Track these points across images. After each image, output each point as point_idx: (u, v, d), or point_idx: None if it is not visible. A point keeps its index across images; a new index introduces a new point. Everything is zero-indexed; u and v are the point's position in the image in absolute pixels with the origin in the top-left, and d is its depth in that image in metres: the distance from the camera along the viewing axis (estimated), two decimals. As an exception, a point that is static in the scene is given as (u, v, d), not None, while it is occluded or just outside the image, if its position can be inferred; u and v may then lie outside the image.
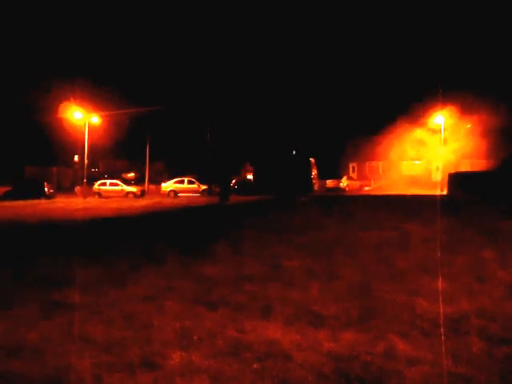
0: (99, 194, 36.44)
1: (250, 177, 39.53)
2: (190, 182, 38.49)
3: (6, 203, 26.53)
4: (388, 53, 61.16)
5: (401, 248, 7.44)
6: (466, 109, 41.55)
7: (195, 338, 3.74)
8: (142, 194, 37.50)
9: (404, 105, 43.56)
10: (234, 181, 39.49)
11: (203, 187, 38.03)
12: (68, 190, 44.94)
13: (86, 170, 38.72)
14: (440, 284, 5.07)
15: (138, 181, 46.99)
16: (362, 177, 51.37)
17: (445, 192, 27.51)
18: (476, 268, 5.91)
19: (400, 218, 10.99)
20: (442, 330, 3.79)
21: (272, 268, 6.13)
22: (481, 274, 5.55)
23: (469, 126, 44.40)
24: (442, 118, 41.37)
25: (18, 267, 6.59)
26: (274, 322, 4.07)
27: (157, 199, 29.40)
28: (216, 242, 8.29)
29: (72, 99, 38.17)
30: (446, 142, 42.10)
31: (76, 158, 51.85)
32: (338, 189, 41.86)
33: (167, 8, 61.43)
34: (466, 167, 41.35)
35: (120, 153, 54.97)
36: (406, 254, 6.91)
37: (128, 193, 36.36)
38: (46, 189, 35.12)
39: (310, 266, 6.16)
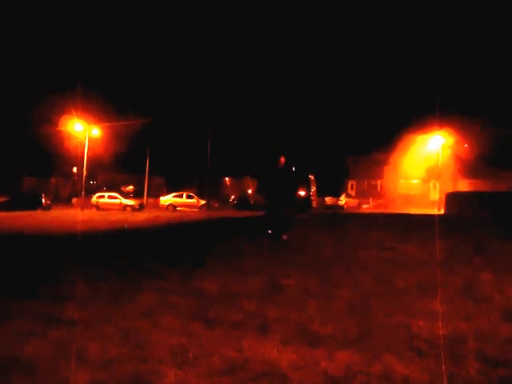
0: (97, 206, 36.44)
1: (249, 192, 39.58)
2: (188, 197, 38.57)
3: (3, 214, 26.46)
4: (388, 72, 61.74)
5: (398, 268, 7.43)
6: (463, 129, 41.81)
7: (191, 355, 3.72)
8: (141, 207, 37.49)
9: (403, 124, 43.84)
10: (232, 196, 39.53)
11: (202, 202, 38.07)
12: (66, 202, 44.90)
13: (84, 182, 38.76)
14: (437, 305, 5.06)
15: (137, 194, 47.01)
16: (360, 194, 51.48)
17: (442, 211, 27.56)
18: (473, 289, 5.90)
19: (398, 238, 10.99)
20: (438, 351, 3.78)
21: (270, 286, 6.12)
22: (478, 296, 5.54)
23: (466, 145, 44.66)
24: (440, 138, 41.63)
25: (11, 280, 6.56)
26: (271, 340, 4.05)
27: (155, 213, 29.39)
28: (214, 258, 8.28)
29: (72, 111, 38.38)
30: (443, 161, 42.28)
31: (75, 169, 51.89)
32: (336, 206, 41.93)
33: (167, 21, 62.18)
34: (463, 187, 41.49)
35: (119, 166, 55.10)
36: (403, 273, 6.90)
37: (126, 206, 36.36)
38: (43, 200, 35.13)
39: (308, 285, 6.15)
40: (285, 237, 10.58)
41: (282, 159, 10.97)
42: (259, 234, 11.17)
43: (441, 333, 4.18)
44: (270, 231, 10.79)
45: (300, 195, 33.17)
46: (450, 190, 33.01)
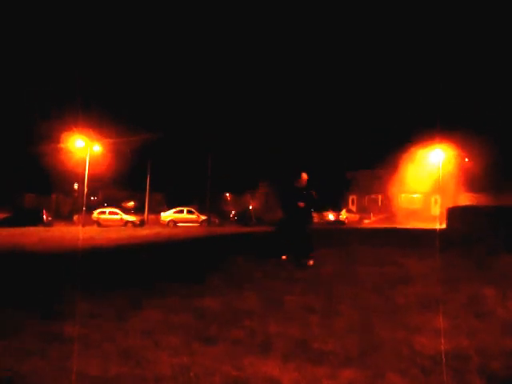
0: (98, 222, 36.39)
1: (250, 207, 39.57)
2: (189, 212, 38.51)
3: (4, 230, 26.45)
4: (390, 86, 62.10)
5: (400, 283, 7.39)
6: (464, 143, 41.93)
7: (192, 375, 3.68)
8: (142, 223, 37.44)
9: (404, 138, 43.97)
10: (233, 212, 39.52)
11: (202, 217, 38.02)
12: (67, 218, 44.85)
13: (85, 199, 38.77)
14: (440, 320, 5.03)
15: (138, 210, 46.98)
16: (361, 209, 51.39)
17: (444, 226, 27.48)
18: (476, 304, 5.87)
19: (399, 253, 10.95)
20: (441, 367, 3.75)
21: (271, 303, 6.08)
22: (481, 311, 5.51)
23: (467, 160, 44.73)
24: (441, 152, 41.72)
25: (12, 297, 6.53)
26: (273, 358, 4.02)
27: (156, 229, 29.33)
28: (215, 275, 8.24)
29: (74, 128, 38.60)
30: (444, 175, 42.32)
31: (76, 186, 51.97)
32: (337, 221, 41.82)
33: (170, 39, 62.71)
34: (464, 201, 41.44)
35: (120, 182, 55.20)
36: (405, 289, 6.87)
37: (127, 222, 36.33)
38: (44, 216, 35.13)
39: (310, 301, 6.12)
40: (311, 262, 9.14)
41: (305, 176, 9.91)
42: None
43: (444, 349, 4.14)
44: (284, 256, 9.58)
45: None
46: (452, 204, 32.98)
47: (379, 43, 62.16)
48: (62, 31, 63.36)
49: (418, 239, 15.79)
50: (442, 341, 4.34)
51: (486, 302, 5.99)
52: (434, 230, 20.81)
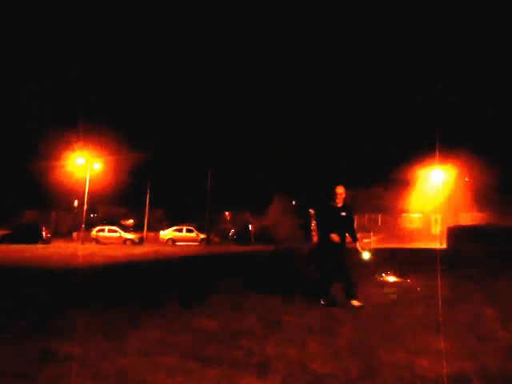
0: (97, 240, 36.27)
1: (250, 226, 39.47)
2: (188, 231, 38.38)
3: (4, 247, 26.39)
4: (390, 105, 62.46)
5: (400, 304, 7.33)
6: (464, 163, 42.03)
7: (189, 396, 3.62)
8: (141, 241, 37.30)
9: (404, 157, 44.06)
10: (232, 230, 39.42)
11: (202, 236, 37.90)
12: (66, 235, 44.75)
13: (84, 216, 38.72)
14: (440, 343, 4.96)
15: (137, 227, 46.84)
16: (360, 229, 51.14)
17: (444, 245, 27.40)
18: (477, 326, 5.80)
19: (400, 273, 10.89)
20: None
21: (269, 323, 6.02)
22: (482, 333, 5.44)
23: (467, 179, 44.80)
24: (440, 171, 41.82)
25: (10, 315, 6.47)
26: (271, 380, 3.95)
27: (155, 247, 29.23)
28: (214, 295, 8.18)
29: (74, 145, 38.78)
30: (444, 195, 42.35)
31: (75, 202, 51.94)
32: (337, 240, 41.51)
33: (167, 53, 63.23)
34: (464, 221, 41.38)
35: (120, 199, 55.15)
36: (405, 310, 6.80)
37: (126, 240, 36.20)
38: (43, 233, 35.05)
39: (309, 322, 6.05)
40: (359, 302, 7.03)
41: (342, 190, 7.60)
42: (259, 269, 9.53)
43: (445, 372, 4.08)
44: (323, 301, 7.22)
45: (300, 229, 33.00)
46: (452, 223, 32.93)
47: (376, 59, 62.61)
48: (62, 49, 63.94)
49: (418, 259, 15.73)
50: (444, 364, 4.27)
51: (487, 324, 5.93)
52: (434, 250, 20.74)
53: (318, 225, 8.03)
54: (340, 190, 7.52)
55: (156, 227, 44.56)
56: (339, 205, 7.50)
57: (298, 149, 50.37)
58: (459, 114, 45.56)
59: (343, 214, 7.49)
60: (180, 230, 38.49)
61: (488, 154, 39.13)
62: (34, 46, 58.75)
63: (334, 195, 7.50)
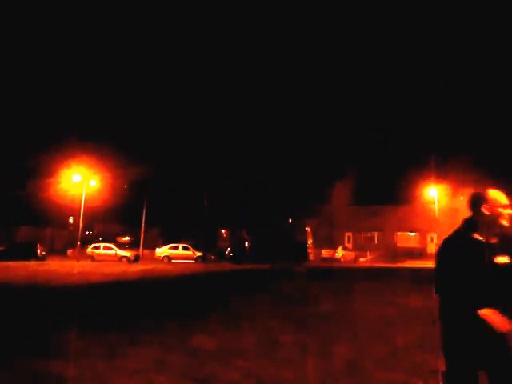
0: (92, 257, 36.00)
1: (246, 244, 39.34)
2: (184, 248, 38.19)
3: (-2, 264, 26.18)
4: (387, 122, 62.85)
5: (397, 324, 7.31)
6: (459, 182, 42.22)
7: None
8: (136, 258, 37.05)
9: (400, 176, 44.25)
10: (229, 249, 39.29)
11: (198, 254, 37.74)
12: (61, 252, 44.47)
13: (80, 233, 38.55)
14: (438, 362, 4.93)
15: (133, 245, 46.62)
16: (357, 247, 51.14)
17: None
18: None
19: (396, 292, 10.87)
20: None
21: (267, 343, 5.98)
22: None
23: (462, 198, 44.94)
24: (436, 190, 42.00)
25: (2, 335, 6.41)
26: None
27: (151, 265, 29.07)
28: (211, 314, 8.14)
29: (71, 163, 38.78)
30: (440, 213, 42.44)
31: (71, 219, 51.73)
32: (333, 259, 41.49)
33: (168, 69, 63.63)
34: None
35: (116, 216, 54.99)
36: (402, 330, 6.78)
37: (122, 257, 35.93)
38: (38, 250, 34.81)
39: (306, 342, 6.02)
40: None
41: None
42: (257, 288, 10.24)
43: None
44: None
45: (297, 248, 32.60)
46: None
47: (373, 73, 63.13)
48: (57, 61, 64.03)
49: (415, 278, 15.70)
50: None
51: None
52: (431, 269, 20.68)
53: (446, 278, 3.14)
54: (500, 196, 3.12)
55: (152, 244, 44.34)
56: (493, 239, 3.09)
57: (294, 168, 50.56)
58: (459, 128, 45.82)
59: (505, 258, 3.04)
60: (176, 248, 38.29)
61: (483, 171, 39.32)
62: (28, 53, 58.91)
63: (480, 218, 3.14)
